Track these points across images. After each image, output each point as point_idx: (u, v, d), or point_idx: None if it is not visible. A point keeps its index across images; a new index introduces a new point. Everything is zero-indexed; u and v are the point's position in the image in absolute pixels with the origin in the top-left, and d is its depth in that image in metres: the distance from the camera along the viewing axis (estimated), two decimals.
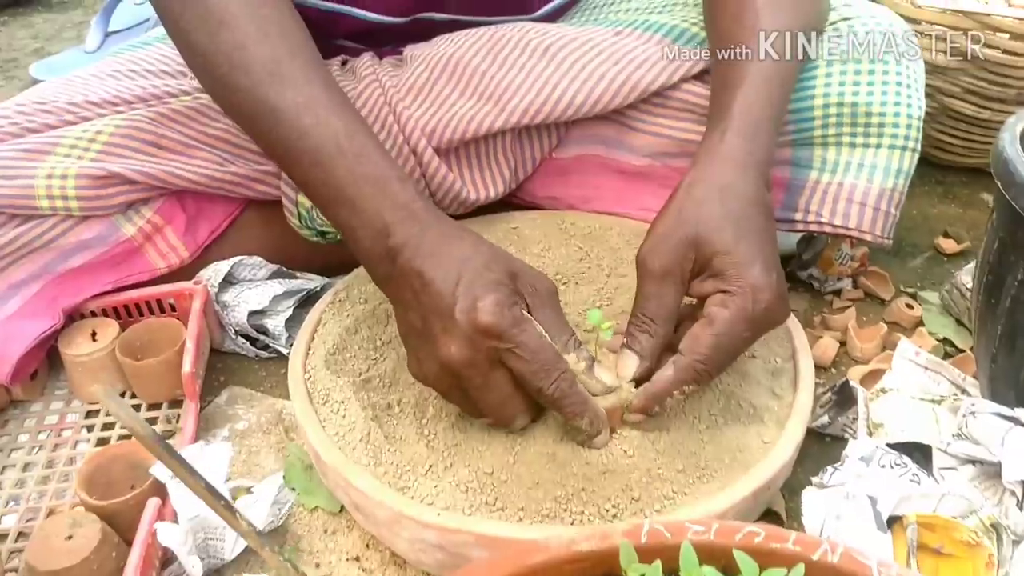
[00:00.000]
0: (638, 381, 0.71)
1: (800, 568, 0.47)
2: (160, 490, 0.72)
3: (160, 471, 0.71)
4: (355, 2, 0.97)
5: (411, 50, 1.02)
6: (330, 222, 0.74)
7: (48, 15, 1.83)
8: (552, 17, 1.07)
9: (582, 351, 0.69)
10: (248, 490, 0.74)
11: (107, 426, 0.87)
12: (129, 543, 0.70)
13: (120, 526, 0.71)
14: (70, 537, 0.68)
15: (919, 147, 0.87)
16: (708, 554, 0.49)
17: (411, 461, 0.73)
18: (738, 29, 0.80)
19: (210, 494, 0.43)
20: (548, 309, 0.69)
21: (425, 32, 1.01)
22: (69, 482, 0.81)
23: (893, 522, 0.68)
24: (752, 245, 0.68)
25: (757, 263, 0.67)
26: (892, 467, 0.71)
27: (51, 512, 0.78)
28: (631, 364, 0.70)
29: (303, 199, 0.93)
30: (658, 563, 0.47)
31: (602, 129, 0.98)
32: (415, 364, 0.69)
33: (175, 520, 0.71)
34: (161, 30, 1.16)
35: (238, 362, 0.95)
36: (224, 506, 0.44)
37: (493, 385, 0.66)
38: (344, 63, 1.04)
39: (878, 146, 0.87)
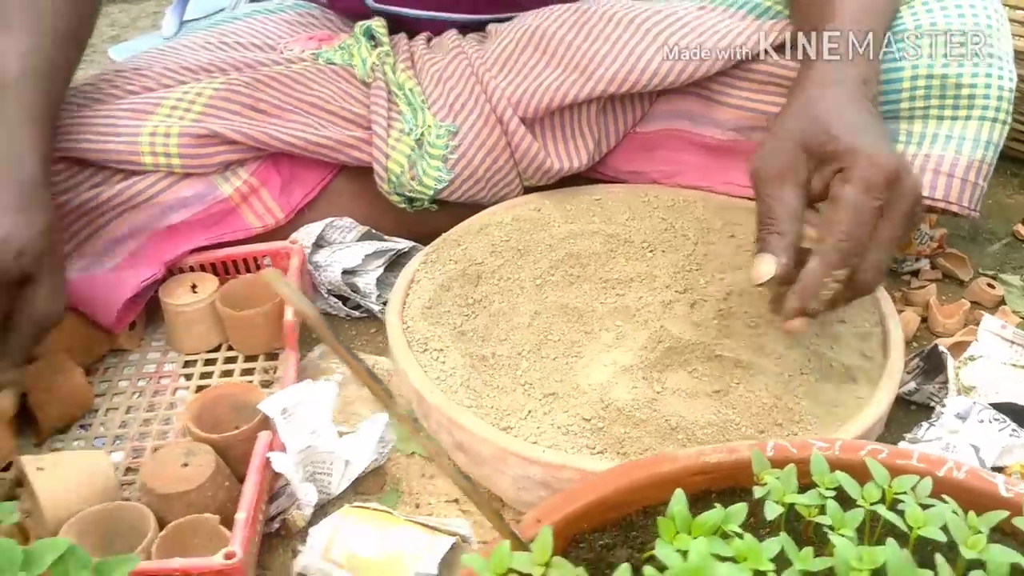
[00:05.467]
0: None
1: (927, 481, 0.48)
2: (266, 427, 0.74)
3: (269, 406, 0.73)
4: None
5: (494, 26, 1.04)
6: None
7: (124, 5, 1.88)
8: None
9: None
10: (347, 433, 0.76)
11: (204, 375, 0.89)
12: (238, 477, 0.72)
13: (229, 460, 0.73)
14: (185, 464, 0.70)
15: (1009, 119, 0.88)
16: (832, 469, 0.50)
17: (510, 406, 0.75)
18: None
19: (371, 378, 0.45)
20: None
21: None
22: (170, 425, 0.83)
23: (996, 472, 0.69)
24: (862, 126, 0.70)
25: (868, 135, 0.69)
26: (991, 422, 0.72)
27: (155, 450, 0.80)
28: (767, 263, 0.69)
29: (393, 164, 0.96)
30: (791, 467, 0.48)
31: (687, 103, 1.00)
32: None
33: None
34: (246, 7, 1.20)
35: (329, 321, 0.96)
36: (383, 391, 0.46)
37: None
38: (429, 40, 1.06)
39: (967, 118, 0.88)
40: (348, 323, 0.97)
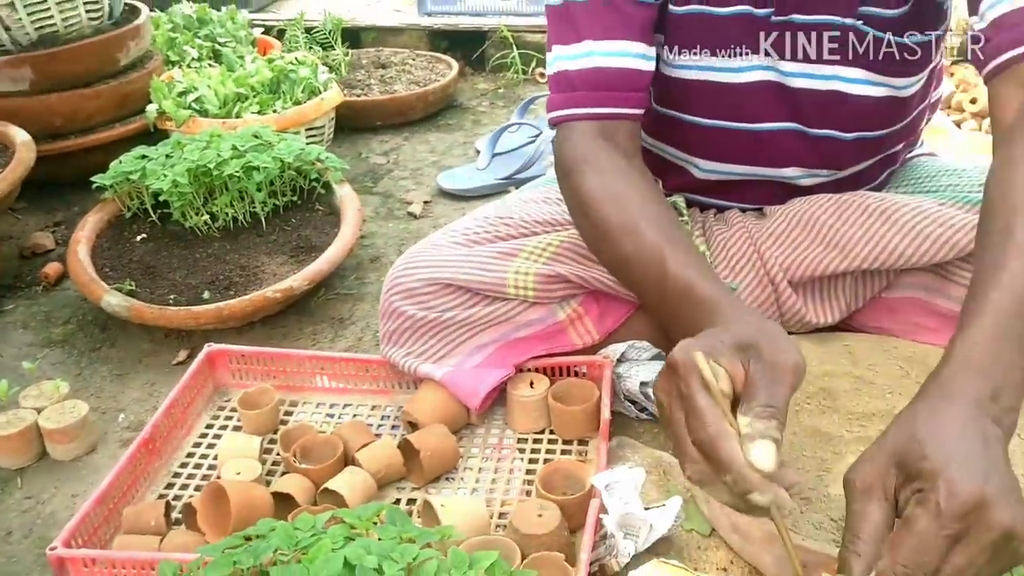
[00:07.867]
0: None
1: None
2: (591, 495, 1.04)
3: (599, 480, 1.03)
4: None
5: (770, 208, 1.31)
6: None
7: (438, 134, 2.31)
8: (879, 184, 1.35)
9: (768, 425, 0.74)
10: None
11: (534, 451, 1.20)
12: (570, 530, 1.02)
13: (564, 515, 1.03)
14: (540, 515, 1.01)
15: None
16: None
17: None
18: (1001, 243, 0.84)
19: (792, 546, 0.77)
20: (768, 374, 0.76)
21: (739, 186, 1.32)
22: (510, 484, 1.15)
23: None
24: (958, 449, 0.68)
25: (960, 459, 0.67)
26: None
27: (502, 503, 1.11)
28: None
29: None
30: None
31: (925, 278, 1.24)
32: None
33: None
34: None
35: (622, 419, 1.26)
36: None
37: (672, 419, 0.78)
38: (716, 214, 1.35)
39: None
40: (637, 423, 1.26)
